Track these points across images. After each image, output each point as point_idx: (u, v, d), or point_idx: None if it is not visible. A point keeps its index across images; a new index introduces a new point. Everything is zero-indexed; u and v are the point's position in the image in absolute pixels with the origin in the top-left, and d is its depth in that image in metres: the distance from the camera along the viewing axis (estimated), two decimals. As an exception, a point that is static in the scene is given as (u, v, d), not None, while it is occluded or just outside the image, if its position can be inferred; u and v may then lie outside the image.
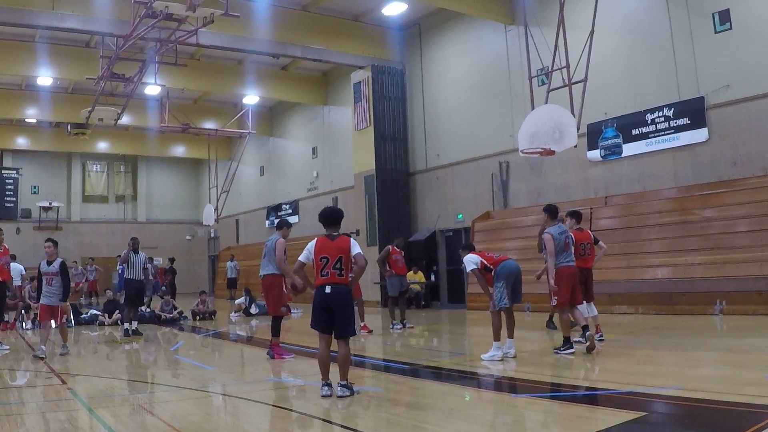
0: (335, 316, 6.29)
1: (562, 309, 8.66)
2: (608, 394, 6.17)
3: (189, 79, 23.03)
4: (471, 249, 8.94)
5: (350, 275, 6.42)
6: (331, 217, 6.60)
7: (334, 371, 6.41)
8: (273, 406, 6.48)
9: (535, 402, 6.05)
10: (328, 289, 6.29)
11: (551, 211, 9.07)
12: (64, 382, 7.85)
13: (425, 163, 21.24)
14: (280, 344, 9.58)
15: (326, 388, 6.34)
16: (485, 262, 8.51)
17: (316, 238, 6.55)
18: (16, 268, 16.47)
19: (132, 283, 13.48)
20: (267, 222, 30.55)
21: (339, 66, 22.90)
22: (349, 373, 6.37)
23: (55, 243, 10.57)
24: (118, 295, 16.93)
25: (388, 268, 13.39)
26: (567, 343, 8.51)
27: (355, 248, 6.38)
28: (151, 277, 24.11)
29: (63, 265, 10.36)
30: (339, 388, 6.26)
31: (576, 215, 9.76)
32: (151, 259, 24.13)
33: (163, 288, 20.61)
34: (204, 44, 17.68)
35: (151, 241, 32.26)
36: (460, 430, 5.09)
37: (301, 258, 6.61)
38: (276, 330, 9.48)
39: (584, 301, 9.45)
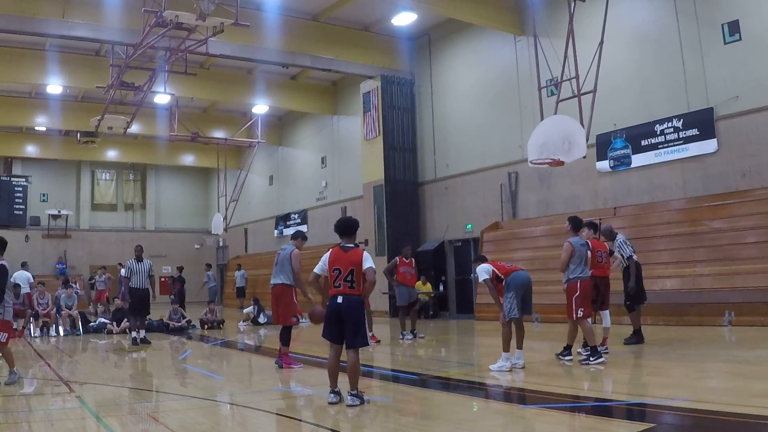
0: (346, 326, 6.35)
1: (586, 318, 8.67)
2: (617, 405, 6.15)
3: (198, 88, 23.13)
4: (483, 260, 9.02)
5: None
6: (345, 227, 6.65)
7: (343, 381, 6.43)
8: (281, 415, 6.46)
9: (544, 413, 6.02)
10: (339, 300, 6.36)
11: (574, 223, 9.10)
12: (71, 390, 7.87)
13: (434, 173, 21.23)
14: (289, 354, 9.58)
15: (333, 395, 6.41)
16: (497, 271, 8.55)
17: (330, 250, 6.62)
18: (24, 275, 16.62)
19: (136, 292, 13.38)
20: (276, 231, 30.60)
21: (348, 76, 22.96)
22: (358, 383, 6.37)
23: None
24: (125, 303, 16.95)
25: (394, 279, 13.35)
26: (595, 353, 8.47)
27: (367, 262, 6.40)
28: (213, 284, 24.39)
29: (3, 268, 8.12)
30: (349, 398, 6.28)
31: (592, 225, 9.78)
32: (209, 266, 24.30)
33: (172, 297, 20.64)
34: (214, 53, 17.74)
35: (159, 249, 32.40)
36: (469, 441, 5.08)
37: (315, 270, 6.70)
38: (286, 339, 9.47)
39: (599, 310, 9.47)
